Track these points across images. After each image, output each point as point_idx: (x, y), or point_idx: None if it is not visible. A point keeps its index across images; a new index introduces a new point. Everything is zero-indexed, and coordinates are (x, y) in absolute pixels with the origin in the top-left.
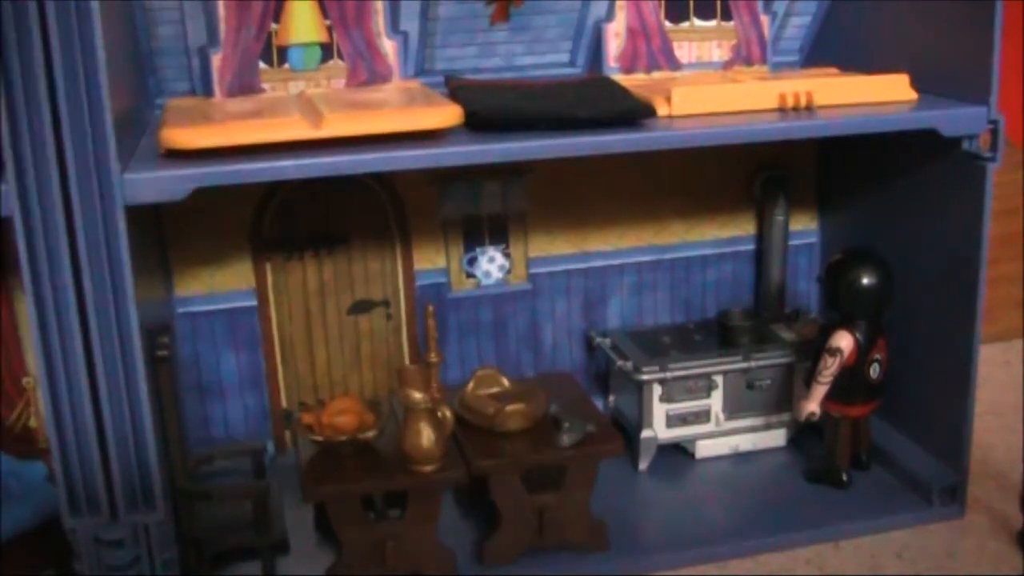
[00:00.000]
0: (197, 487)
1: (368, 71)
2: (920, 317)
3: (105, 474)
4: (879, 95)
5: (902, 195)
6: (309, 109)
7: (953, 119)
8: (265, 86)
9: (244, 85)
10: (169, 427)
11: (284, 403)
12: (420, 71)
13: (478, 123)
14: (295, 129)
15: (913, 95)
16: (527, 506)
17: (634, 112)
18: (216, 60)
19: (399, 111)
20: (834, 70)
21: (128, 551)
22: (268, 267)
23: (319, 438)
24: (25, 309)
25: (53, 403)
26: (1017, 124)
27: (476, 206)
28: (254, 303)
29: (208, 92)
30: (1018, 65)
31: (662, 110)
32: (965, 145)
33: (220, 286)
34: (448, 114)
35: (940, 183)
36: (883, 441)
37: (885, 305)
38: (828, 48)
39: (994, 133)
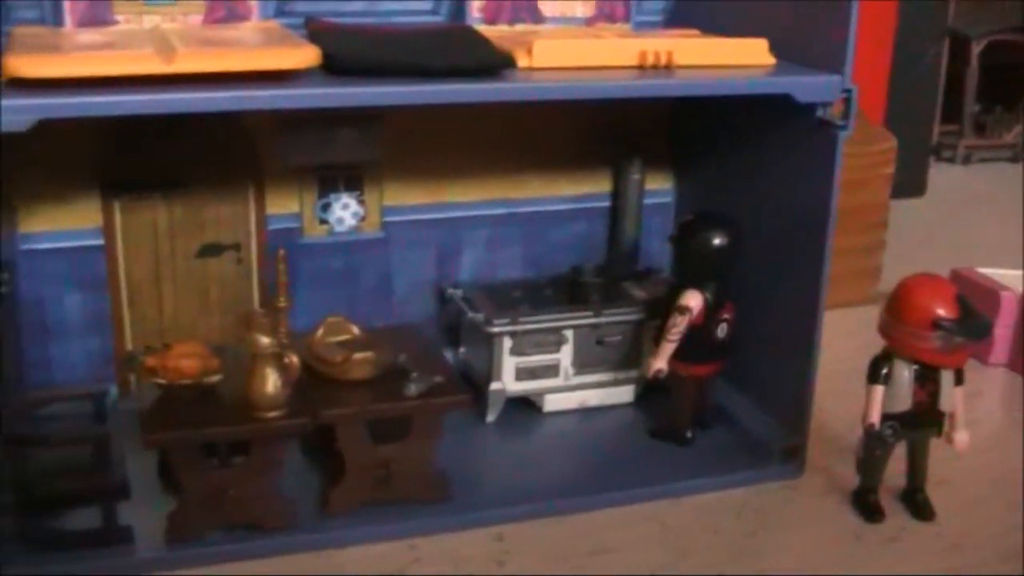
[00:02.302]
0: (33, 431)
1: (226, 9)
2: (768, 281)
3: None
4: (738, 58)
5: (756, 159)
6: (162, 44)
7: (808, 86)
8: (118, 18)
9: (96, 16)
10: (6, 367)
11: (129, 347)
12: (279, 12)
13: (335, 67)
14: (146, 63)
15: (771, 60)
16: (372, 456)
17: (493, 62)
18: None
19: (254, 50)
20: (695, 32)
21: None
22: (116, 206)
23: (162, 382)
24: None
25: None
26: (875, 100)
27: (331, 152)
28: (100, 243)
29: (58, 22)
30: (884, 45)
31: (522, 62)
32: (818, 112)
33: (65, 224)
34: (304, 55)
35: (793, 149)
36: (726, 402)
37: (735, 266)
38: (691, 11)
39: (847, 102)
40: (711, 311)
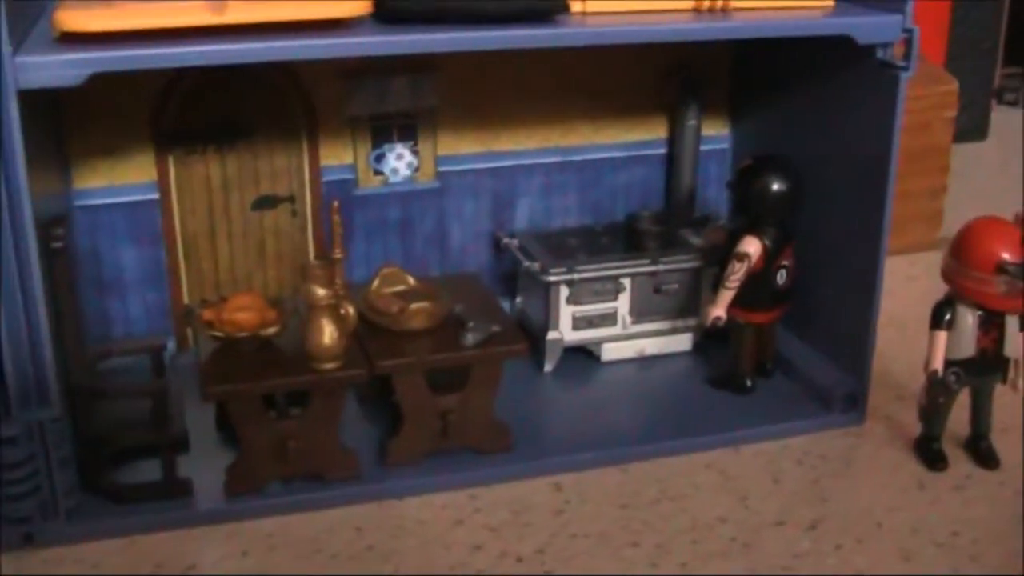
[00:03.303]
0: (93, 384)
1: None
2: (828, 226)
3: None
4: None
5: (815, 103)
6: None
7: (868, 26)
8: None
9: None
10: (65, 322)
11: (186, 300)
12: None
13: (387, 14)
14: (197, 14)
15: (829, 2)
16: (431, 406)
17: (547, 7)
18: None
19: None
20: None
21: (23, 448)
22: (170, 160)
23: (219, 335)
24: None
25: None
26: (936, 41)
27: (384, 101)
28: (156, 197)
29: None
30: None
31: (576, 6)
32: (879, 54)
33: (120, 179)
34: (356, 4)
35: (853, 92)
36: (787, 349)
37: (793, 212)
38: None
39: (908, 43)
40: (770, 257)
